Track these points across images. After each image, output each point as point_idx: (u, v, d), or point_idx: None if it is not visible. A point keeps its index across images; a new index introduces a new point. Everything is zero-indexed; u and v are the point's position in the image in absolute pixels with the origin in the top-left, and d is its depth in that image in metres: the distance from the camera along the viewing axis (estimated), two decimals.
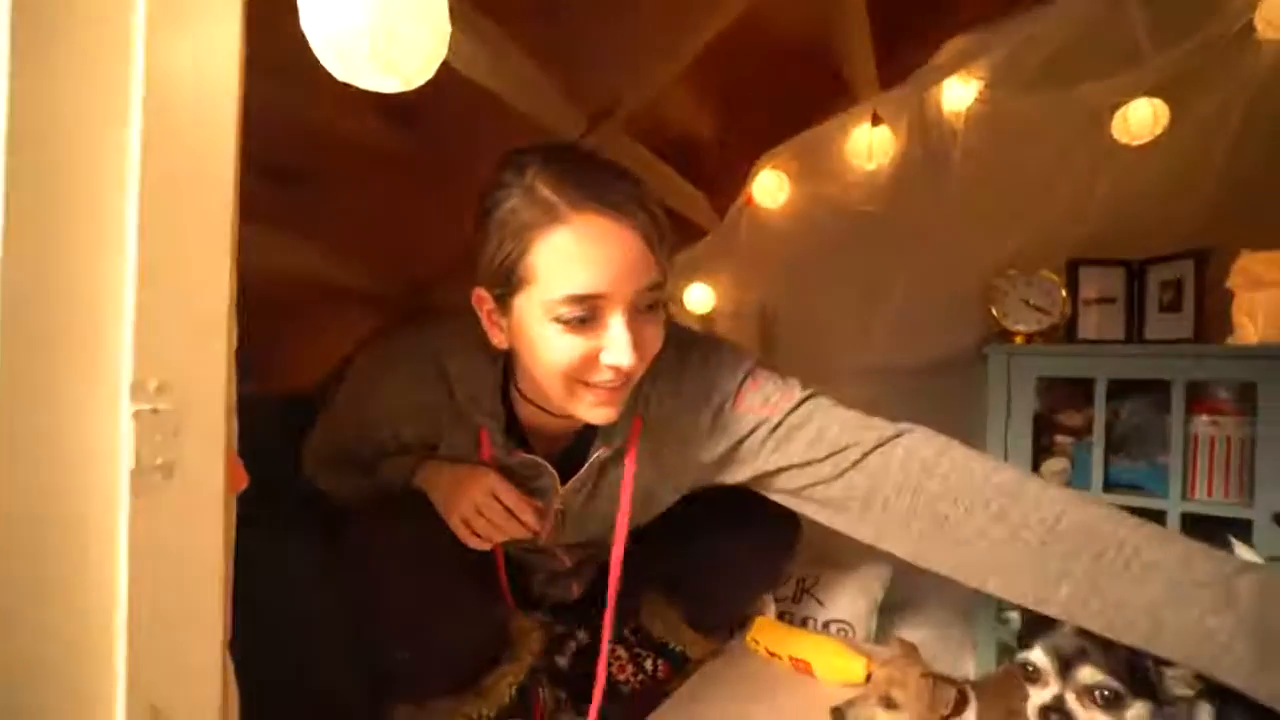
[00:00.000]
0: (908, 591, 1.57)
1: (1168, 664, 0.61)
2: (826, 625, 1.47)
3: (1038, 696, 0.64)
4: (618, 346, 0.69)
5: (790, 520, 0.92)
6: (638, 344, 0.70)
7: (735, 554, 1.07)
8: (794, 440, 0.79)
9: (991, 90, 1.46)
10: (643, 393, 0.82)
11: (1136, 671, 0.61)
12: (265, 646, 0.86)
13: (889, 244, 1.60)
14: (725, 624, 1.22)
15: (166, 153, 0.43)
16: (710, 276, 1.74)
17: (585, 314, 0.68)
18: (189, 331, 0.45)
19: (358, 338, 1.28)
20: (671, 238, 0.73)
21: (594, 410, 0.75)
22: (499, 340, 0.77)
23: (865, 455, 0.76)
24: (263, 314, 1.30)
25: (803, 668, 1.21)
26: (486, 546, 0.88)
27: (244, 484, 0.53)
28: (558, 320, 0.68)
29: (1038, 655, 0.65)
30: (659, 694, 1.12)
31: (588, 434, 0.87)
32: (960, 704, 0.93)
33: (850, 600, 1.51)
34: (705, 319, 1.78)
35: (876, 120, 1.52)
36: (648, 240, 0.69)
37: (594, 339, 0.69)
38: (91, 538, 0.41)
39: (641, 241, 0.68)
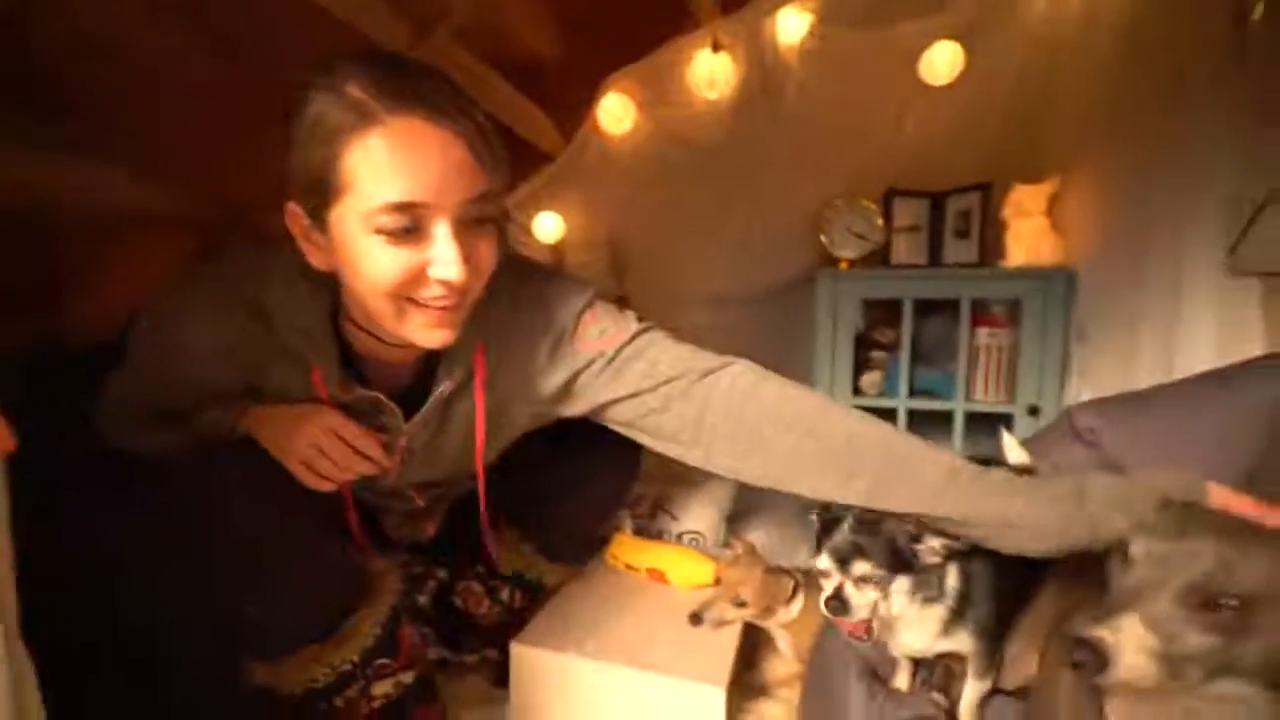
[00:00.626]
0: (751, 500, 1.72)
1: (918, 540, 0.72)
2: (680, 537, 1.58)
3: (825, 590, 0.75)
4: (445, 259, 0.66)
5: (631, 444, 0.93)
6: (468, 257, 0.67)
7: (580, 481, 1.09)
8: (627, 373, 0.82)
9: (822, 25, 1.51)
10: (480, 320, 0.79)
11: (898, 554, 0.72)
12: (96, 613, 0.78)
13: (730, 174, 1.65)
14: (578, 551, 1.26)
15: None
16: (559, 205, 1.71)
17: (409, 224, 0.64)
18: None
19: (168, 267, 1.18)
20: (504, 151, 0.69)
21: (428, 333, 0.72)
22: (317, 260, 0.71)
23: (692, 384, 0.80)
24: (71, 250, 1.11)
25: (658, 577, 1.30)
26: (331, 487, 0.83)
27: (9, 446, 0.44)
28: (379, 231, 0.64)
29: (822, 559, 0.76)
30: (519, 623, 1.15)
31: (429, 365, 0.84)
32: (794, 591, 1.06)
33: (701, 512, 1.62)
34: (555, 248, 1.75)
35: (717, 46, 1.52)
36: (472, 147, 0.65)
37: (420, 252, 0.66)
38: None
39: (465, 147, 0.64)
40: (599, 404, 0.85)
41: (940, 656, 0.79)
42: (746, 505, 1.73)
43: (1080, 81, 1.45)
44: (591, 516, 1.22)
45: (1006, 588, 0.71)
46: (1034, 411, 1.52)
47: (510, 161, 0.71)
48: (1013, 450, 0.88)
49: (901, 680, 0.78)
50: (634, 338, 0.82)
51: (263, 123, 1.09)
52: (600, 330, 0.82)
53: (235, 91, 1.07)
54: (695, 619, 1.03)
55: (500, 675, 1.13)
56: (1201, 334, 1.03)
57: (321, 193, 0.64)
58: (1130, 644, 0.41)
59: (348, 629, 0.91)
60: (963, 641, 0.70)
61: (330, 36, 1.05)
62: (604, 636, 1.10)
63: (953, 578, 0.71)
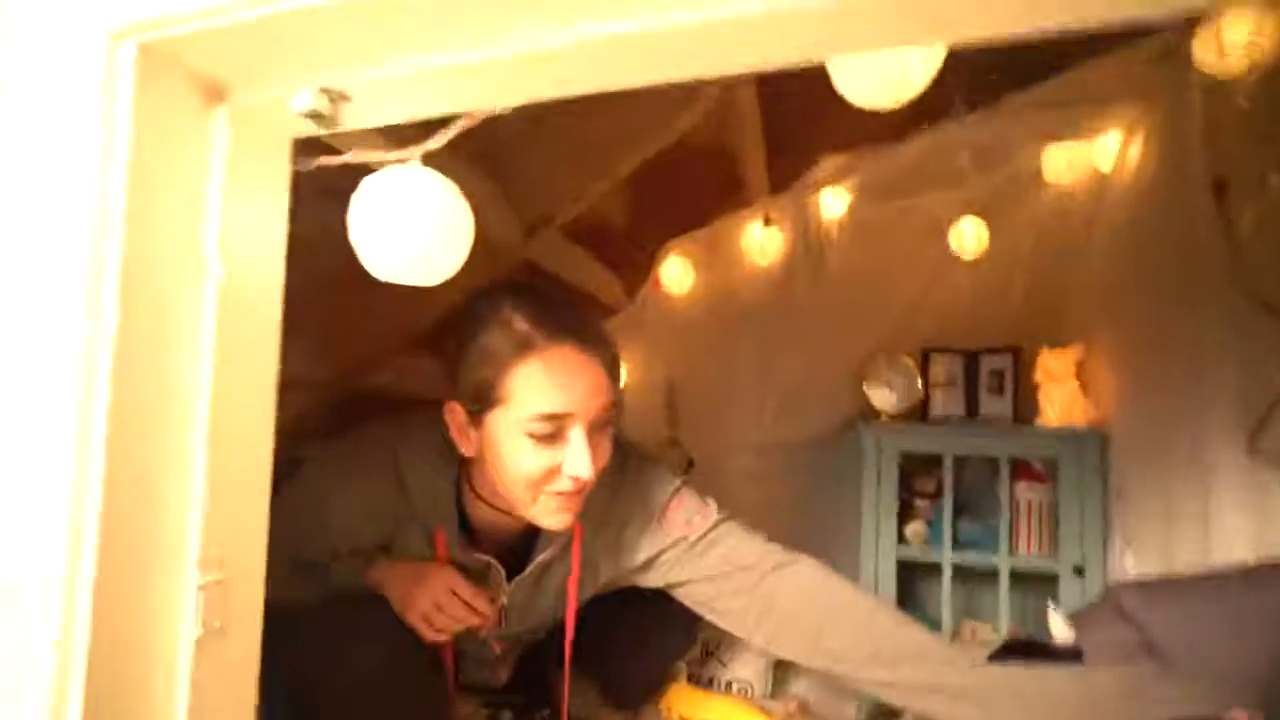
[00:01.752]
0: None
1: None
2: (729, 684, 1.59)
3: None
4: (579, 459, 0.79)
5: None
6: (595, 457, 0.81)
7: (646, 636, 1.17)
8: (707, 557, 0.95)
9: (858, 203, 1.75)
10: (597, 509, 0.93)
11: None
12: None
13: (777, 331, 1.81)
14: (640, 696, 1.29)
15: (232, 351, 0.49)
16: (621, 355, 1.85)
17: (553, 430, 0.79)
18: (240, 509, 0.50)
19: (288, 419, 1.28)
20: (620, 367, 0.88)
21: (554, 516, 0.85)
22: (468, 450, 0.86)
23: (764, 577, 0.92)
24: None
25: None
26: (445, 639, 0.92)
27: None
28: (529, 435, 0.79)
29: None
30: None
31: (530, 532, 0.96)
32: None
33: (749, 660, 1.61)
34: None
35: (768, 220, 1.75)
36: (606, 368, 0.82)
37: (558, 451, 0.80)
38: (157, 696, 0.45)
39: (601, 369, 0.82)
40: (676, 582, 0.97)
41: None
42: None
43: (1092, 263, 1.62)
44: (653, 668, 1.27)
45: None
46: (1079, 571, 1.56)
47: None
48: (1057, 626, 0.95)
49: None
50: (715, 526, 0.95)
51: (376, 292, 1.30)
52: (687, 517, 0.96)
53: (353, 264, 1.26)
54: None
55: None
56: (1233, 511, 1.12)
57: (483, 400, 0.80)
58: None
59: None
60: None
61: None
62: None
63: None
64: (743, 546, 0.94)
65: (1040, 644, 1.07)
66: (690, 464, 1.83)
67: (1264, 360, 1.04)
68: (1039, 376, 1.70)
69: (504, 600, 0.98)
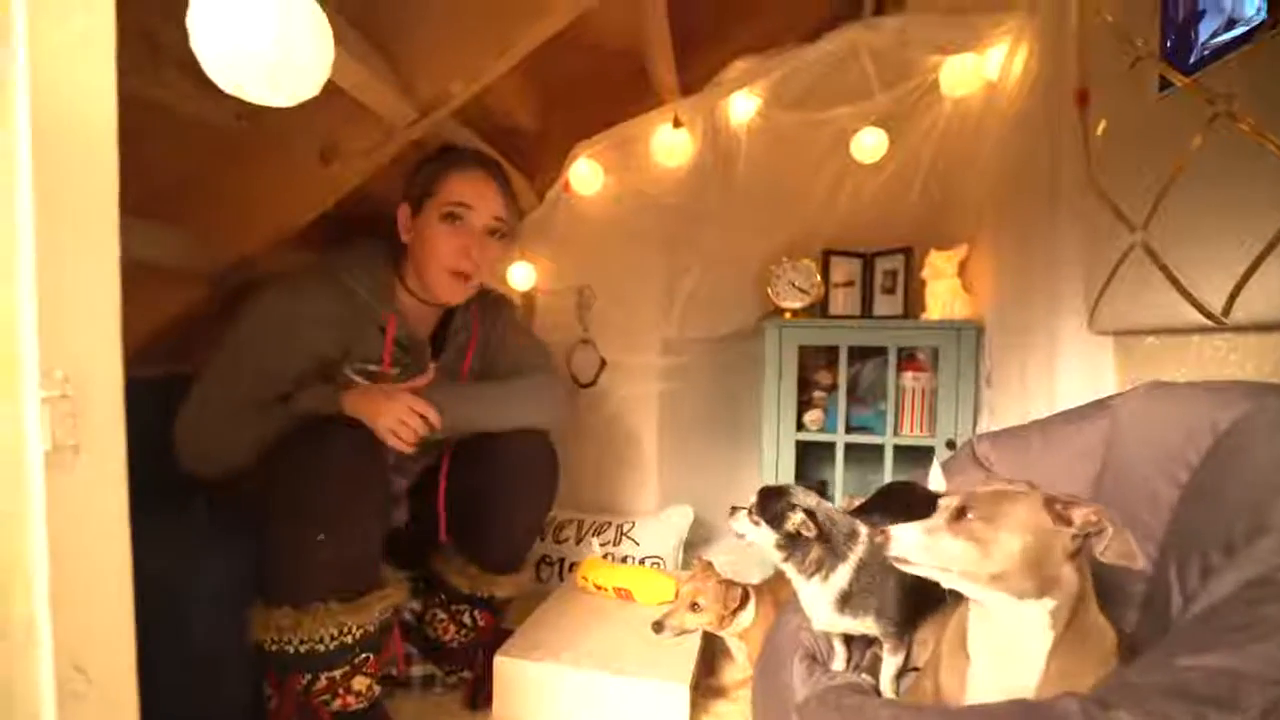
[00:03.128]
0: (707, 530, 1.89)
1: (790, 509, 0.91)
2: (643, 561, 1.71)
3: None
4: (473, 238, 1.23)
5: (549, 458, 1.28)
6: (483, 253, 1.24)
7: (503, 496, 1.28)
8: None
9: (767, 108, 1.76)
10: (485, 322, 1.36)
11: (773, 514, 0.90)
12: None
13: (686, 232, 1.86)
14: (516, 559, 1.37)
15: (53, 150, 0.46)
16: (532, 256, 1.86)
17: (459, 214, 1.21)
18: (86, 322, 0.48)
19: (172, 316, 1.25)
20: (516, 203, 1.29)
21: (455, 292, 1.25)
22: (407, 237, 1.25)
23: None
24: None
25: (625, 595, 1.43)
26: (409, 448, 1.11)
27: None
28: (443, 217, 1.21)
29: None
30: (491, 640, 1.27)
31: (441, 333, 1.33)
32: (744, 599, 1.21)
33: (661, 538, 1.77)
34: (527, 295, 1.90)
35: (677, 123, 1.74)
36: (499, 186, 1.26)
37: (461, 234, 1.22)
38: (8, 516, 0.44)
39: (496, 186, 1.25)
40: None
41: (869, 645, 0.95)
42: (704, 534, 1.88)
43: (979, 169, 1.72)
44: (521, 530, 1.37)
45: (909, 587, 0.85)
46: (951, 445, 1.73)
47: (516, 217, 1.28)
48: (935, 478, 1.06)
49: (838, 663, 0.93)
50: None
51: (266, 180, 1.23)
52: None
53: (244, 151, 1.19)
54: (658, 627, 1.17)
55: (472, 696, 1.24)
56: (1073, 379, 1.26)
57: (423, 193, 1.22)
58: (903, 531, 0.67)
59: (367, 600, 1.05)
60: (868, 625, 0.85)
61: (342, 112, 1.16)
62: (578, 648, 1.21)
63: (844, 574, 0.85)
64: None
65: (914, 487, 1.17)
66: (603, 363, 1.90)
67: (1104, 252, 1.14)
68: (926, 275, 1.83)
69: (433, 374, 1.25)
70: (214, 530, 1.08)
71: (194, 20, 0.51)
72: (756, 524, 0.88)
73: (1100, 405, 0.97)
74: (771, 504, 0.88)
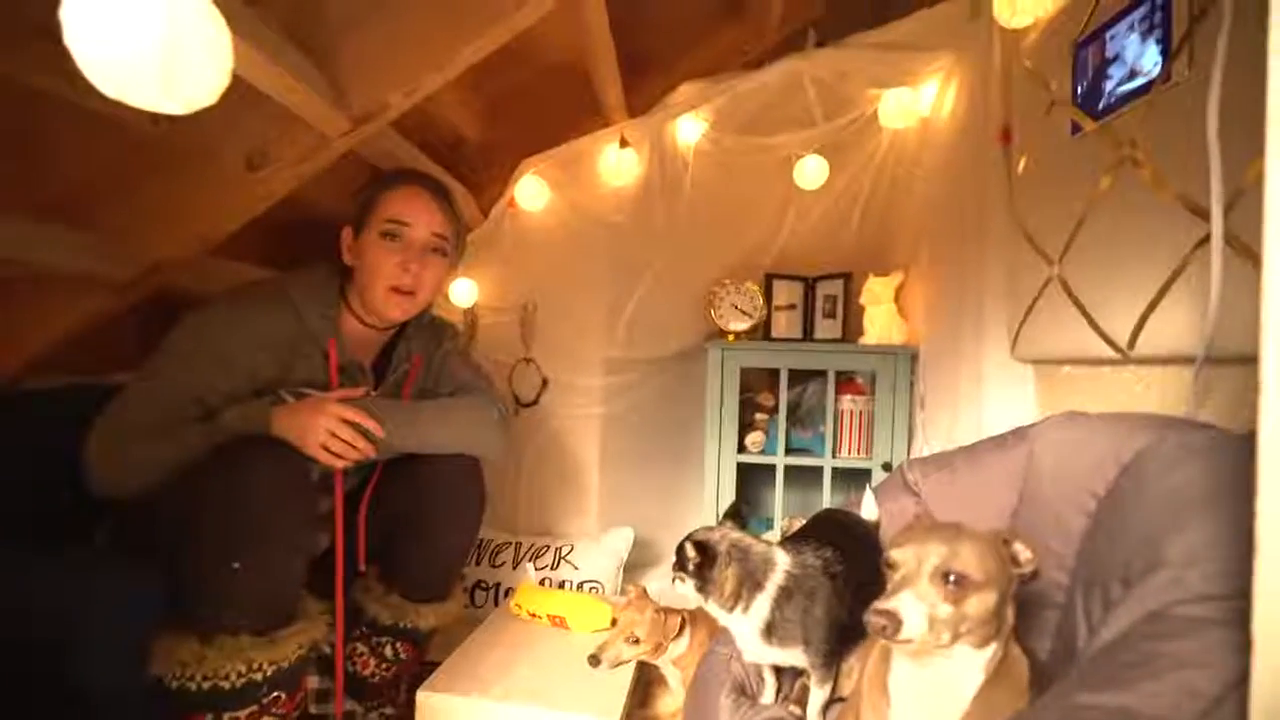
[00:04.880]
0: (647, 553, 1.87)
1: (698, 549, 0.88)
2: (581, 585, 1.67)
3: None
4: (412, 253, 1.20)
5: (475, 480, 1.24)
6: (424, 270, 1.22)
7: (427, 521, 1.24)
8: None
9: (714, 131, 1.79)
10: (428, 350, 1.34)
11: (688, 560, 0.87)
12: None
13: (631, 253, 1.85)
14: (441, 587, 1.31)
15: None
16: (474, 273, 1.82)
17: (398, 232, 1.19)
18: None
19: (76, 324, 1.19)
20: (458, 222, 1.30)
21: (397, 308, 1.21)
22: (350, 259, 1.22)
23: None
24: None
25: (559, 623, 1.39)
26: (344, 464, 1.08)
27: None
28: (383, 235, 1.19)
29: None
30: (414, 673, 1.23)
31: (387, 353, 1.30)
32: (682, 627, 1.19)
33: (600, 562, 1.74)
34: (469, 312, 1.85)
35: (624, 143, 1.75)
36: (439, 203, 1.24)
37: (401, 251, 1.19)
38: None
39: (435, 203, 1.24)
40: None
41: (799, 675, 0.95)
42: (642, 558, 1.86)
43: (915, 199, 1.78)
44: (446, 557, 1.32)
45: (835, 616, 0.85)
46: (887, 467, 1.77)
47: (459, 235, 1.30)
48: (868, 506, 1.06)
49: (767, 694, 0.92)
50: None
51: (188, 188, 1.18)
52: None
53: (163, 155, 1.14)
54: (594, 660, 1.13)
55: None
56: (999, 405, 1.30)
57: (363, 214, 1.20)
58: (910, 610, 0.58)
59: (283, 636, 0.99)
60: (796, 656, 0.85)
61: (272, 119, 1.13)
62: (509, 680, 1.17)
63: (763, 604, 0.83)
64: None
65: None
66: (545, 383, 1.87)
67: (1026, 283, 1.19)
68: (864, 300, 1.87)
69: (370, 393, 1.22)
70: (117, 554, 1.02)
71: (68, 18, 0.47)
72: (682, 579, 0.86)
73: (1019, 434, 1.00)
74: (680, 552, 0.87)
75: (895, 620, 0.58)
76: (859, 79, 1.71)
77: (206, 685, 0.93)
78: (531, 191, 1.77)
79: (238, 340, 1.07)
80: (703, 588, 0.84)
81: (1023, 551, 0.62)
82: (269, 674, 0.97)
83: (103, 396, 1.06)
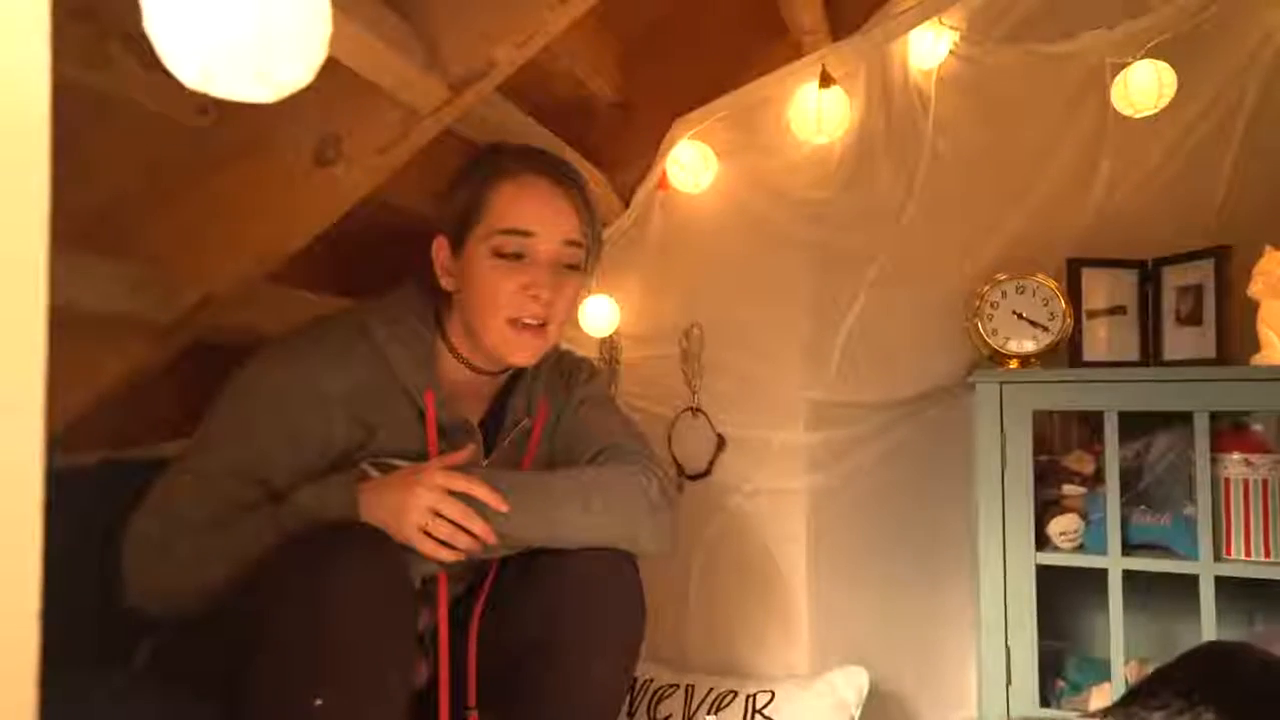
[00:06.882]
0: (888, 706, 1.41)
1: None
2: None
3: None
4: (540, 278, 0.98)
5: (632, 589, 1.00)
6: (557, 294, 0.99)
7: (562, 650, 1.02)
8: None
9: (969, 43, 1.38)
10: (556, 400, 1.14)
11: None
12: None
13: (846, 244, 1.47)
14: None
15: None
16: (613, 287, 1.50)
17: (519, 249, 0.98)
18: None
19: (111, 381, 1.07)
20: (598, 222, 1.08)
21: (520, 351, 1.00)
22: (449, 284, 1.03)
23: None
24: None
25: None
26: (457, 556, 0.92)
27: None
28: (497, 253, 0.98)
29: None
30: None
31: (500, 404, 1.11)
32: None
33: (817, 717, 1.30)
34: (607, 342, 1.54)
35: (826, 80, 1.33)
36: (574, 203, 1.01)
37: (523, 273, 0.98)
38: None
39: (569, 203, 1.01)
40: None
41: None
42: (884, 710, 1.41)
43: None
44: (592, 698, 1.06)
45: None
46: None
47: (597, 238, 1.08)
48: None
49: None
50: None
51: (247, 197, 1.05)
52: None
53: (218, 155, 1.01)
54: None
55: None
56: None
57: (464, 219, 1.00)
58: None
59: None
60: None
61: (344, 97, 0.94)
62: None
63: None
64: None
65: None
66: (721, 443, 1.48)
67: None
68: (1255, 292, 1.25)
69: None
70: (158, 681, 0.93)
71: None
72: None
73: None
74: None
75: None
76: None
77: None
78: (691, 164, 1.42)
79: (306, 399, 0.95)
80: None
81: None
82: None
83: (142, 477, 0.96)
